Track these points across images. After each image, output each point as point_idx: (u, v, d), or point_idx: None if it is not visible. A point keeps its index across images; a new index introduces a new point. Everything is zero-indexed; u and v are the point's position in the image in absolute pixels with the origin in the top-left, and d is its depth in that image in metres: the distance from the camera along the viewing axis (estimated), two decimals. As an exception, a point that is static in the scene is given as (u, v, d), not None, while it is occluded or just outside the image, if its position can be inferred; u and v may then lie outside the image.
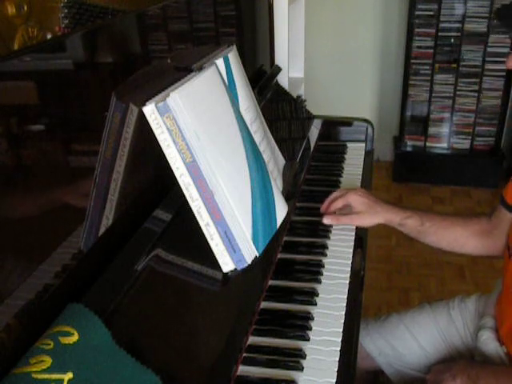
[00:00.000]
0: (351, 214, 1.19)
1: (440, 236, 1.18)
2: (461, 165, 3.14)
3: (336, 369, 0.85)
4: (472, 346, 1.18)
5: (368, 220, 1.18)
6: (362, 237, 1.22)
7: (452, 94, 3.02)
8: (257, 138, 1.03)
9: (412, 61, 2.99)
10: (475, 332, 1.17)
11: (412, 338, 1.22)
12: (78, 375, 0.57)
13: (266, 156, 1.05)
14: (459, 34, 2.89)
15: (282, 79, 1.80)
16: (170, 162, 0.81)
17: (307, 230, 1.23)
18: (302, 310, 0.98)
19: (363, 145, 1.66)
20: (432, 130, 3.13)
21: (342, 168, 1.52)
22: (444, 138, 3.14)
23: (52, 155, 0.69)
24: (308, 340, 0.91)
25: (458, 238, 1.18)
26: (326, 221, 1.20)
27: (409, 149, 3.20)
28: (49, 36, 0.72)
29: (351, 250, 1.16)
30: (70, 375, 0.57)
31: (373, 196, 1.21)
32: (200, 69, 0.91)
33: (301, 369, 0.85)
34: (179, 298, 0.81)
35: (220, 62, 0.95)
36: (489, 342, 1.10)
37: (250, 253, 0.89)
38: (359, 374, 1.26)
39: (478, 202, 3.01)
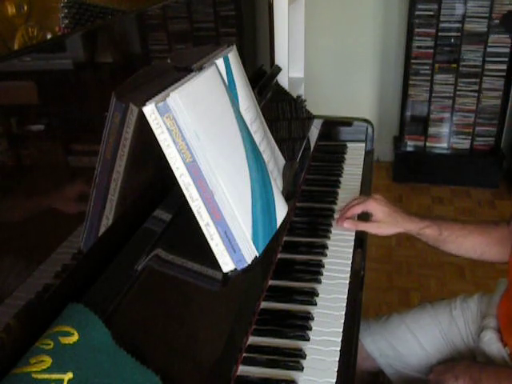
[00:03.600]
0: (369, 221, 1.19)
1: (459, 244, 1.17)
2: (461, 165, 3.14)
3: (336, 369, 0.85)
4: (473, 346, 1.18)
5: (387, 229, 1.18)
6: (362, 237, 1.22)
7: (452, 94, 3.02)
8: (257, 138, 1.03)
9: (412, 61, 2.99)
10: (477, 332, 1.17)
11: (413, 339, 1.22)
12: (77, 375, 0.57)
13: (266, 156, 1.05)
14: (459, 34, 2.89)
15: (282, 79, 1.80)
16: (170, 162, 0.81)
17: (307, 229, 1.23)
18: (302, 309, 0.98)
19: (363, 145, 1.66)
20: (432, 129, 3.13)
21: (342, 168, 1.52)
22: (444, 138, 3.14)
23: (52, 155, 0.69)
24: (308, 340, 0.91)
25: (477, 246, 1.17)
26: (346, 225, 1.19)
27: (409, 149, 3.20)
28: (49, 36, 0.72)
29: (351, 250, 1.16)
30: (70, 375, 0.57)
31: (392, 205, 1.20)
32: (200, 69, 0.91)
33: (301, 369, 0.85)
34: (179, 298, 0.81)
35: (220, 62, 0.95)
36: (492, 343, 1.09)
37: (250, 253, 0.89)
38: (359, 374, 1.26)
39: (478, 201, 3.01)
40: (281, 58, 1.81)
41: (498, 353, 1.08)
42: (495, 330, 1.11)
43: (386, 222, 1.17)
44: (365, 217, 1.22)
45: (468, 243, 1.17)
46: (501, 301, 1.15)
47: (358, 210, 1.21)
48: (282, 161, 1.21)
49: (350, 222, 1.20)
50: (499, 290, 1.19)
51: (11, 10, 0.65)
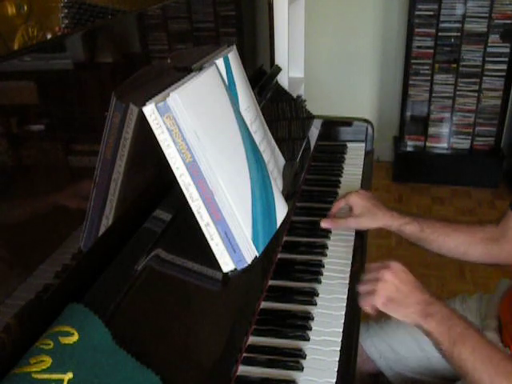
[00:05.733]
0: (349, 216, 1.19)
1: (441, 243, 1.14)
2: (461, 165, 3.14)
3: (336, 369, 0.85)
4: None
5: (365, 224, 1.17)
6: (362, 237, 1.22)
7: (452, 94, 3.02)
8: (257, 138, 1.03)
9: (412, 61, 2.99)
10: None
11: (413, 341, 1.21)
12: (77, 375, 0.57)
13: (266, 156, 1.05)
14: (459, 34, 2.89)
15: (282, 79, 1.80)
16: (170, 162, 0.81)
17: (307, 229, 1.23)
18: (302, 309, 0.98)
19: (363, 145, 1.66)
20: (432, 129, 3.13)
21: (342, 168, 1.52)
22: (444, 138, 3.14)
23: (52, 155, 0.69)
24: (308, 340, 0.91)
25: (460, 245, 1.14)
26: (324, 224, 1.19)
27: (409, 149, 3.20)
28: (49, 36, 0.72)
29: (351, 250, 1.16)
30: (70, 375, 0.57)
31: (374, 199, 1.19)
32: (200, 69, 0.91)
33: (301, 369, 0.85)
34: (179, 298, 0.81)
35: (220, 62, 0.95)
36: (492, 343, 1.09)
37: (250, 253, 0.89)
38: (360, 376, 1.26)
39: (478, 201, 3.01)
40: (281, 58, 1.82)
41: None
42: (496, 330, 1.10)
43: (364, 216, 1.16)
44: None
45: (451, 242, 1.14)
46: (503, 301, 1.14)
47: (340, 203, 1.21)
48: (282, 161, 1.21)
49: (328, 221, 1.19)
50: (500, 290, 1.18)
51: (11, 9, 0.65)
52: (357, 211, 1.18)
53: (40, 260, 0.65)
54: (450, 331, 0.83)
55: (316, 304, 0.99)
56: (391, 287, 0.89)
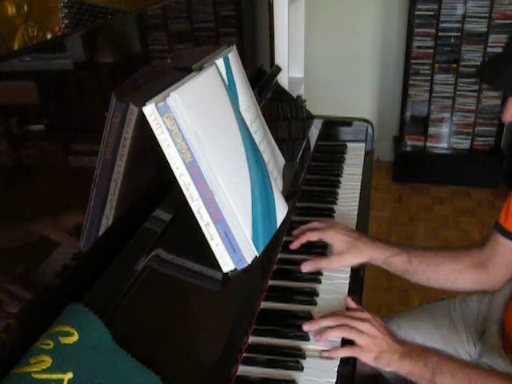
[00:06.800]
0: (331, 255, 1.10)
1: (430, 273, 1.09)
2: (461, 165, 3.14)
3: (336, 369, 0.85)
4: (473, 349, 1.17)
5: (350, 260, 1.08)
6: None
7: (452, 94, 3.02)
8: (257, 138, 1.03)
9: (412, 61, 2.99)
10: (477, 335, 1.16)
11: (412, 342, 1.20)
12: (77, 375, 0.57)
13: (266, 156, 1.05)
14: (459, 34, 2.89)
15: (282, 79, 1.80)
16: (170, 162, 0.81)
17: (307, 230, 1.23)
18: (301, 309, 0.98)
19: (363, 145, 1.66)
20: (432, 129, 3.13)
21: (342, 168, 1.52)
22: (444, 138, 3.14)
23: (52, 155, 0.69)
24: (308, 340, 0.91)
25: (450, 273, 1.08)
26: (305, 269, 1.07)
27: (409, 149, 3.20)
28: (49, 36, 0.72)
29: (351, 250, 1.16)
30: (69, 375, 0.57)
31: (354, 232, 1.12)
32: (200, 69, 0.91)
33: (301, 369, 0.85)
34: (179, 298, 0.81)
35: (220, 61, 0.95)
36: (493, 348, 1.08)
37: (250, 253, 0.89)
38: (359, 377, 1.25)
39: (478, 201, 3.01)
40: (281, 58, 1.82)
41: (500, 359, 1.06)
42: (498, 335, 1.09)
43: (348, 252, 1.07)
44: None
45: (440, 272, 1.08)
46: (509, 307, 1.11)
47: (313, 237, 1.11)
48: (282, 161, 1.21)
49: (309, 264, 1.07)
50: (503, 292, 1.16)
51: (11, 9, 0.65)
52: (339, 248, 1.08)
53: (40, 260, 0.65)
54: (427, 365, 0.86)
55: (316, 304, 0.99)
56: (380, 342, 0.90)
